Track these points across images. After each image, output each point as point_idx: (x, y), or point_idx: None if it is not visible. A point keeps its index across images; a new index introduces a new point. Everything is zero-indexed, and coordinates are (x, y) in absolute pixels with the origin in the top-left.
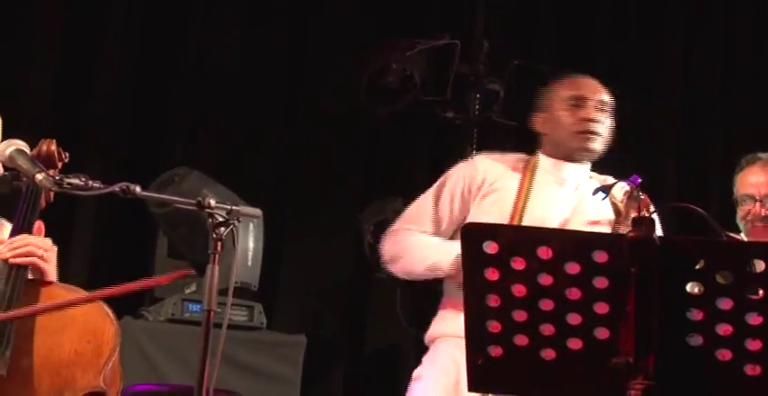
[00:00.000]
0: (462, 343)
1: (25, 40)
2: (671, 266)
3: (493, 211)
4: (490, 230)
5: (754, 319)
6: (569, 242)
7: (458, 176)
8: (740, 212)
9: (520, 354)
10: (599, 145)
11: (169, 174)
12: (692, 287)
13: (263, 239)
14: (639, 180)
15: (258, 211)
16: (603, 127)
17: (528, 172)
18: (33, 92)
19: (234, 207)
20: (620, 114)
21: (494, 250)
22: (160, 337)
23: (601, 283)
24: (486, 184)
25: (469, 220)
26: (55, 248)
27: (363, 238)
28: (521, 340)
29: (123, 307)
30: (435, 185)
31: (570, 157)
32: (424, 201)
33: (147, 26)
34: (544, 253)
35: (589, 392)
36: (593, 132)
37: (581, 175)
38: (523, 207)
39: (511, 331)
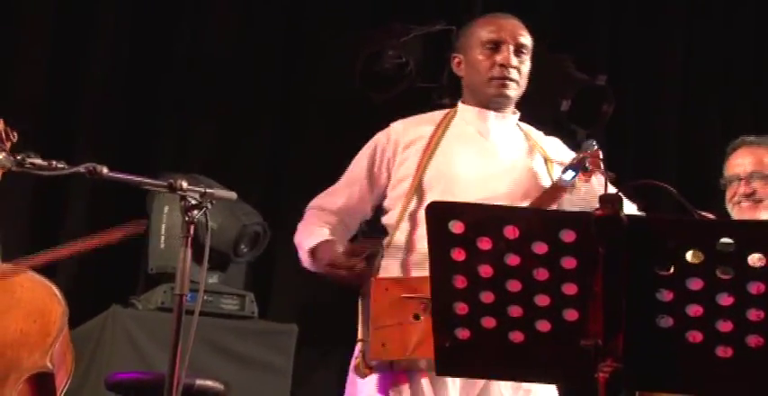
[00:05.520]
0: None
1: (15, 33)
2: (639, 246)
3: (402, 173)
4: (456, 209)
5: (724, 299)
6: (536, 221)
7: (370, 149)
8: (728, 195)
9: (488, 336)
10: (514, 91)
11: None
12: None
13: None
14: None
15: (233, 194)
16: (520, 72)
17: (442, 124)
18: (23, 85)
19: (207, 189)
20: (619, 102)
21: (460, 230)
22: (150, 325)
23: (569, 263)
24: (401, 149)
25: (395, 182)
26: None
27: None
28: (488, 322)
29: (113, 295)
30: (350, 165)
31: (486, 105)
32: (341, 181)
33: (138, 16)
34: (511, 232)
35: (558, 375)
36: (508, 78)
37: (508, 125)
38: (427, 161)
39: (478, 313)
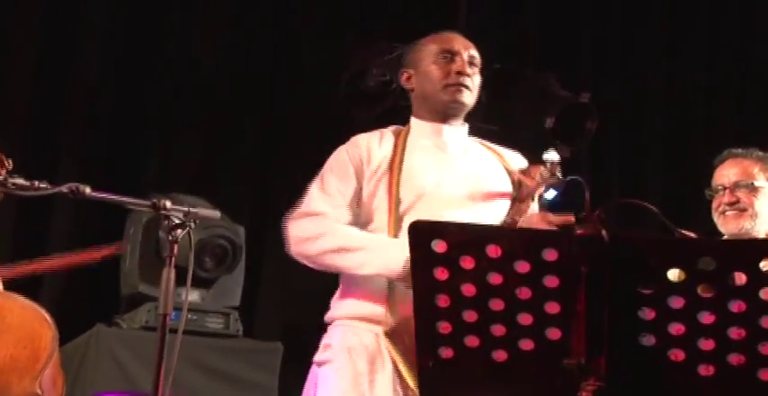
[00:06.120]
0: (353, 325)
1: (2, 42)
2: (621, 264)
3: (378, 176)
4: (438, 229)
5: (706, 318)
6: (518, 240)
7: (346, 156)
8: (713, 205)
9: (471, 355)
10: (469, 98)
11: None
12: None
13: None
14: (558, 157)
15: (216, 213)
16: (473, 81)
17: (399, 142)
18: (10, 92)
19: (191, 209)
20: (603, 119)
21: (442, 249)
22: (134, 344)
23: (551, 282)
24: (367, 163)
25: (366, 200)
26: None
27: None
28: (472, 341)
29: (97, 314)
30: (326, 170)
31: (441, 113)
32: (328, 184)
33: (126, 25)
34: (493, 251)
35: (541, 394)
36: (463, 85)
37: (462, 137)
38: (397, 178)
39: (461, 332)
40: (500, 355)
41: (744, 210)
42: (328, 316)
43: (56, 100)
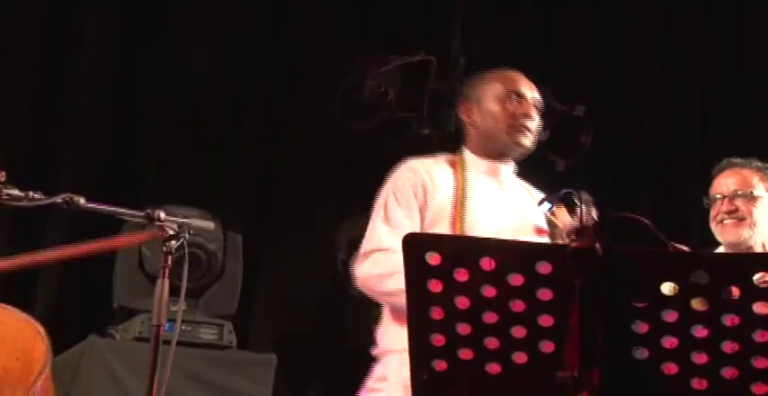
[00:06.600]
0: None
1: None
2: (615, 277)
3: (440, 214)
4: (432, 241)
5: (699, 331)
6: (512, 253)
7: (407, 183)
8: (711, 214)
9: (465, 368)
10: (530, 142)
11: None
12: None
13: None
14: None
15: (210, 224)
16: (536, 125)
17: (458, 176)
18: (5, 104)
19: (185, 220)
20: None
21: (436, 261)
22: (128, 355)
23: (545, 294)
24: (430, 192)
25: (428, 227)
26: None
27: (337, 254)
28: (465, 354)
29: (90, 325)
30: (387, 199)
31: (500, 153)
32: (392, 215)
33: (123, 34)
34: (487, 264)
35: None
36: (528, 129)
37: (513, 177)
38: (462, 206)
39: (455, 345)
40: (493, 368)
41: (742, 219)
42: (380, 350)
43: (51, 112)
